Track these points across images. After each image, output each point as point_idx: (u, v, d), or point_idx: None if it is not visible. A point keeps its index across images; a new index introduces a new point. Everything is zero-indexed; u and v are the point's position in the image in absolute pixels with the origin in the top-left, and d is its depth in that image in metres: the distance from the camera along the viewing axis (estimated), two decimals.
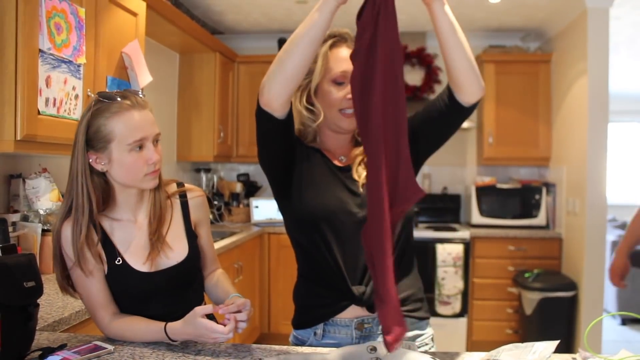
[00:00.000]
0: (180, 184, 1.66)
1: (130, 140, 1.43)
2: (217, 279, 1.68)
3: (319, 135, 1.62)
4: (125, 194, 1.52)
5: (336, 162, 1.61)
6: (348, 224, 1.50)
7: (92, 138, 1.44)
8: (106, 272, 1.49)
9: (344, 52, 1.52)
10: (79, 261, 1.45)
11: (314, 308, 1.56)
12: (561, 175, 4.59)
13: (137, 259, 1.51)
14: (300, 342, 1.59)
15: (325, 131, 1.61)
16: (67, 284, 1.50)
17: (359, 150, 1.60)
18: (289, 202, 1.55)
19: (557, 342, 1.12)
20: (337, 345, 1.47)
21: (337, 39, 1.55)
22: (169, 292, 1.55)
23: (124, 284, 1.51)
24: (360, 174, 1.56)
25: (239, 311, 1.41)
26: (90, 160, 1.46)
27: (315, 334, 1.55)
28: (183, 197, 1.63)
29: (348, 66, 1.46)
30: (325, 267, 1.52)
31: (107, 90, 1.50)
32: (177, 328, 1.42)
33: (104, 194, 1.50)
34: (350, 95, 1.46)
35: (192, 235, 1.61)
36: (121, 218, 1.54)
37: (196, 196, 1.65)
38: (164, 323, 1.44)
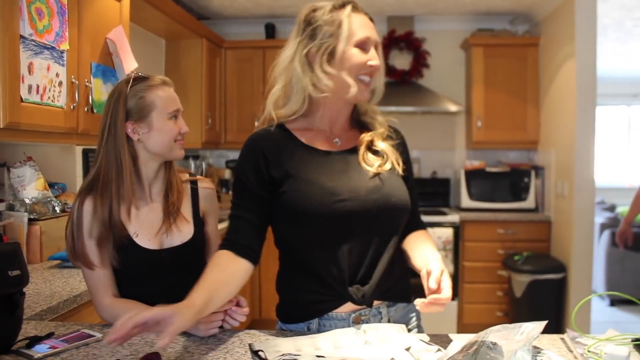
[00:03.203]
0: (191, 174, 1.77)
1: (170, 110, 1.60)
2: None
3: (318, 108, 1.50)
4: (148, 166, 1.63)
5: (329, 148, 1.50)
6: (337, 218, 1.41)
7: (131, 109, 1.57)
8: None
9: (363, 18, 1.47)
10: (101, 235, 1.54)
11: (306, 303, 1.48)
12: (550, 159, 4.61)
13: (145, 235, 1.59)
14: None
15: (329, 103, 1.49)
16: (79, 257, 1.55)
17: (368, 134, 1.53)
18: (283, 198, 1.44)
19: (544, 322, 1.12)
20: None
21: (353, 5, 1.48)
22: (172, 272, 1.61)
23: (130, 260, 1.57)
24: (370, 162, 1.48)
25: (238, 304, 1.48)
26: (128, 130, 1.58)
27: (309, 328, 1.48)
28: (194, 184, 1.73)
29: (370, 32, 1.45)
30: (317, 265, 1.44)
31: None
32: None
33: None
34: (372, 62, 1.44)
35: (199, 221, 1.70)
36: (134, 194, 1.62)
37: (206, 187, 1.76)
38: None
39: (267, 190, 1.46)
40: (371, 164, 1.48)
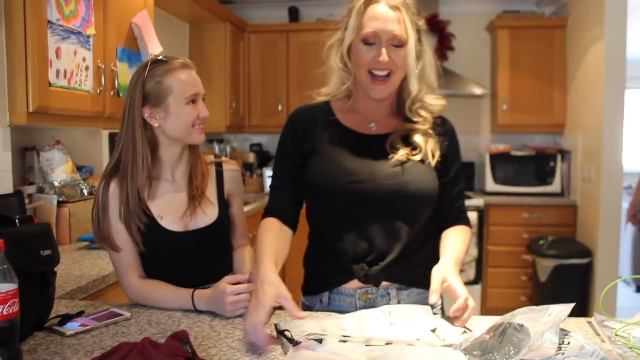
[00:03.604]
0: (216, 156, 1.75)
1: (188, 94, 1.55)
2: (243, 254, 1.75)
3: (353, 95, 1.55)
4: (169, 150, 1.61)
5: (361, 130, 1.53)
6: (348, 197, 1.46)
7: (149, 94, 1.54)
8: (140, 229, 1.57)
9: (379, 9, 1.41)
10: (124, 218, 1.53)
11: (320, 276, 1.57)
12: (576, 142, 4.54)
13: (170, 217, 1.59)
14: (307, 309, 1.59)
15: (360, 91, 1.53)
16: (105, 239, 1.56)
17: (407, 125, 1.51)
18: (305, 172, 1.53)
19: (572, 304, 1.11)
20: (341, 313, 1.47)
21: None
22: (197, 254, 1.62)
23: (155, 242, 1.57)
24: (397, 149, 1.48)
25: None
26: (145, 115, 1.55)
27: (321, 301, 1.55)
28: (219, 166, 1.71)
29: (381, 25, 1.40)
30: (329, 240, 1.52)
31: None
32: (204, 294, 1.47)
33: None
34: (381, 57, 1.40)
35: (223, 203, 1.69)
36: (157, 176, 1.61)
37: (231, 169, 1.74)
38: (191, 290, 1.49)
39: (303, 162, 1.53)
40: (397, 151, 1.47)
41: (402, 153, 1.47)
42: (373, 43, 1.42)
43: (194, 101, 1.57)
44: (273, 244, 1.44)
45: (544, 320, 1.08)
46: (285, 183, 1.55)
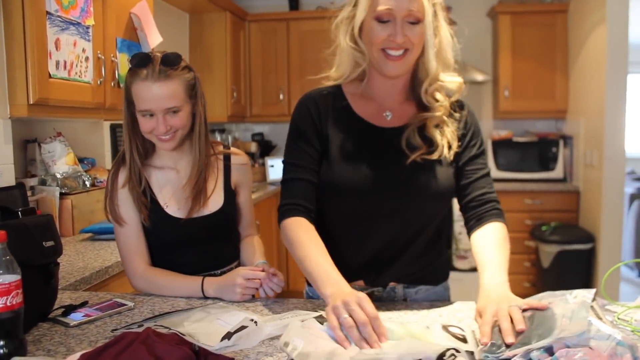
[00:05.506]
0: (226, 146, 1.74)
1: (139, 108, 1.52)
2: (251, 243, 1.76)
3: (367, 77, 1.45)
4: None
5: (375, 122, 1.44)
6: (366, 202, 1.40)
7: (126, 90, 1.55)
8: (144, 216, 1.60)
9: None
10: (130, 201, 1.58)
11: None
12: (578, 128, 4.53)
13: (174, 205, 1.61)
14: (311, 298, 1.54)
15: (374, 73, 1.43)
16: (112, 210, 1.60)
17: (422, 115, 1.41)
18: (321, 169, 1.45)
19: (594, 290, 1.13)
20: None
21: None
22: (202, 241, 1.63)
23: (159, 226, 1.59)
24: (414, 147, 1.38)
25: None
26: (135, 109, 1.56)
27: None
28: (227, 159, 1.70)
29: (396, 2, 1.30)
30: (339, 240, 1.46)
31: (142, 52, 1.56)
32: (215, 280, 1.50)
33: (146, 142, 1.61)
34: (397, 37, 1.32)
35: (229, 192, 1.69)
36: (162, 165, 1.64)
37: (239, 163, 1.73)
38: (201, 278, 1.52)
39: (324, 145, 1.44)
40: (414, 149, 1.39)
41: (419, 152, 1.38)
42: (387, 20, 1.33)
43: (150, 115, 1.51)
44: (327, 257, 1.33)
45: (571, 301, 1.09)
46: (306, 172, 1.42)
